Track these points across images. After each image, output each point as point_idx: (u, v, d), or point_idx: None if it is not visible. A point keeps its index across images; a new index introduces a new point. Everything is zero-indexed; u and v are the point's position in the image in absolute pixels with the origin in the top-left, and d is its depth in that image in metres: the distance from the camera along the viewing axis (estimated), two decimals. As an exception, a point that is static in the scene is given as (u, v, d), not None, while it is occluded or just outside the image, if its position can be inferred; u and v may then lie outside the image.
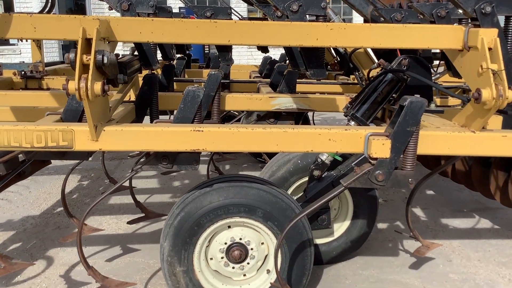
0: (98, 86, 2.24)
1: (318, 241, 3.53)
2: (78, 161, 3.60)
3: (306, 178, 3.32)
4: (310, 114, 6.40)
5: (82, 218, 2.70)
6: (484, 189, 4.11)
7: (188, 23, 2.48)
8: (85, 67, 2.24)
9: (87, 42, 2.30)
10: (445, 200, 5.20)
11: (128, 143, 2.46)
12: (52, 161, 3.78)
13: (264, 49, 7.05)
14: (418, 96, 2.41)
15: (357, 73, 4.91)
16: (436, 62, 4.63)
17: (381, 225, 4.43)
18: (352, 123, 3.04)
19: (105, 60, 2.26)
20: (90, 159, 3.43)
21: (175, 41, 2.50)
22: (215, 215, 2.73)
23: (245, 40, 2.54)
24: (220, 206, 2.72)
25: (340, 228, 3.57)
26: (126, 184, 3.89)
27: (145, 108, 3.31)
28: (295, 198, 3.21)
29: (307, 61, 2.80)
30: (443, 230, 4.39)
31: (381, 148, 2.41)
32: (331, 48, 6.23)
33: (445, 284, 3.39)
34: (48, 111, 2.80)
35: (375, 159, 2.43)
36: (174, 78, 4.47)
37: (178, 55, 5.75)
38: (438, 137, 2.51)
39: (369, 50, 4.75)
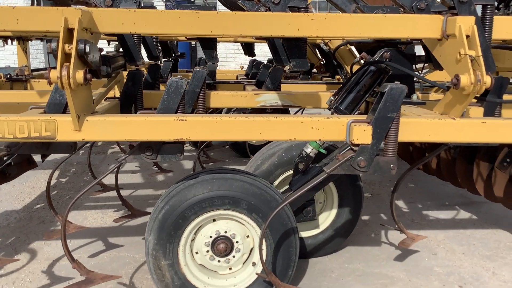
0: (80, 75, 2.24)
1: (305, 234, 3.55)
2: (65, 156, 3.59)
3: (291, 172, 3.35)
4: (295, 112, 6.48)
5: (66, 212, 2.69)
6: (468, 184, 4.16)
7: (170, 14, 2.50)
8: (67, 56, 2.25)
9: (70, 32, 2.30)
10: (431, 195, 5.26)
11: (111, 133, 2.46)
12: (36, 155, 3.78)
13: (250, 52, 7.10)
14: (398, 82, 2.44)
15: (342, 73, 4.97)
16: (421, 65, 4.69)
17: (367, 219, 4.47)
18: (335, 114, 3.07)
19: (87, 49, 2.27)
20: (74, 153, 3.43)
21: (158, 32, 2.51)
22: (199, 208, 2.74)
23: (227, 31, 2.56)
24: (205, 198, 2.73)
25: (326, 220, 3.59)
26: (112, 180, 3.88)
27: (130, 104, 3.31)
28: (280, 191, 3.23)
29: (289, 52, 2.83)
30: (428, 223, 4.43)
31: (363, 134, 2.43)
32: (317, 51, 6.31)
33: (430, 277, 3.41)
34: (31, 105, 2.81)
35: (357, 145, 2.46)
36: (160, 80, 4.48)
37: (165, 59, 5.77)
38: (419, 124, 2.54)
39: (353, 48, 4.80)
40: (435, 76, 4.69)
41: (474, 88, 2.35)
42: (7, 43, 5.40)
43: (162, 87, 4.39)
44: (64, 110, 2.66)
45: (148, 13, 2.50)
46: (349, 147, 2.53)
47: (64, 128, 2.41)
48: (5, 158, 3.59)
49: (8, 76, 5.00)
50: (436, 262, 3.63)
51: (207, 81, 4.51)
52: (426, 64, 4.97)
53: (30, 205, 4.80)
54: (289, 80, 5.36)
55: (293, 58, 2.82)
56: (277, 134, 2.53)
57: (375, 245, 3.93)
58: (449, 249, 3.87)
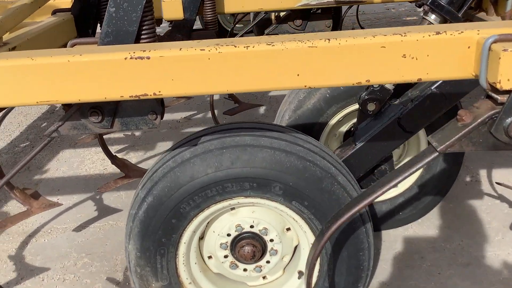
0: None
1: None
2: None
3: (352, 108, 2.22)
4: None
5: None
6: None
7: None
8: None
9: None
10: None
11: (7, 96, 1.27)
12: None
13: None
14: None
15: None
16: None
17: (478, 173, 3.05)
18: (433, 16, 1.77)
19: None
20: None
21: None
22: (203, 199, 1.64)
23: None
24: (210, 182, 1.61)
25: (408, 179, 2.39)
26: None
27: (89, 22, 2.08)
28: (337, 146, 2.05)
29: None
30: None
31: (523, 71, 1.11)
32: None
33: None
34: None
35: (508, 92, 1.14)
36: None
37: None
38: None
39: None
40: None
41: None
42: None
43: None
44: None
45: None
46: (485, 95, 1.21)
47: None
48: None
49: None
50: None
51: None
52: None
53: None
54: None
55: None
56: (330, 78, 1.25)
57: (486, 214, 2.65)
58: None
